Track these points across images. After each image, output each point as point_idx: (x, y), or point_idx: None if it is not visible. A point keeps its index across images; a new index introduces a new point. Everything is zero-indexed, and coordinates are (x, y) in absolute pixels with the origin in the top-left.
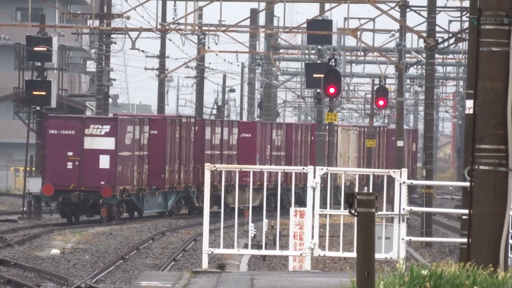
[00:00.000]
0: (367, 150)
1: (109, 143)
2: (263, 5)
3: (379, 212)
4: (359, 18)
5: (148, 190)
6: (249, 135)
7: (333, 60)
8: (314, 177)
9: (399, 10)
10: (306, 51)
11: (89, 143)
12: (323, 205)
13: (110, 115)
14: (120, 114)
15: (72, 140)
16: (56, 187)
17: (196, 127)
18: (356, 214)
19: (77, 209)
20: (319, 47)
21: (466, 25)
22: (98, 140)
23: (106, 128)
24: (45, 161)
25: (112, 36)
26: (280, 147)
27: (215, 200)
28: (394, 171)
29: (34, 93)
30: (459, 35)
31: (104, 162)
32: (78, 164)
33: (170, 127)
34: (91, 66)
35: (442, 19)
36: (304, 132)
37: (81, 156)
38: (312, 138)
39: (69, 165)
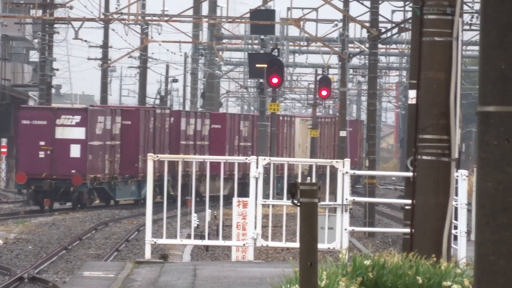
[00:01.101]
0: (318, 140)
1: (79, 133)
2: None
3: (322, 202)
4: (302, 8)
5: (120, 178)
6: (219, 126)
7: (276, 50)
8: (257, 167)
9: (342, 0)
10: (249, 41)
11: (60, 133)
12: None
13: (81, 106)
14: (95, 105)
15: (44, 130)
16: (29, 175)
17: (172, 118)
18: (298, 204)
19: (48, 196)
20: (262, 37)
21: (409, 15)
22: (69, 130)
23: (77, 118)
24: (18, 150)
25: (55, 26)
26: (247, 138)
27: (186, 190)
28: (337, 161)
29: None
30: (402, 25)
31: (75, 151)
32: (50, 153)
33: (144, 118)
34: (34, 56)
35: (385, 9)
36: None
37: (53, 146)
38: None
39: (41, 154)
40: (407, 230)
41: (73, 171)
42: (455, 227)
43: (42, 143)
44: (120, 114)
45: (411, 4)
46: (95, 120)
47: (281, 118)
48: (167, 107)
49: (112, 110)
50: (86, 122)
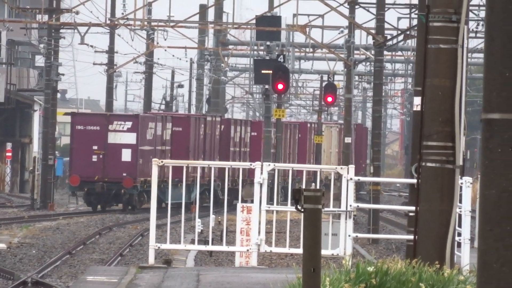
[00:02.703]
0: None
1: (130, 138)
2: (212, 1)
3: (326, 209)
4: (308, 15)
5: (173, 182)
6: (255, 134)
7: (281, 56)
8: (262, 173)
9: (348, 6)
10: (255, 47)
11: (113, 138)
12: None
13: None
14: (146, 112)
15: (97, 135)
16: (82, 178)
17: (222, 126)
18: (302, 210)
19: (101, 198)
20: (268, 43)
21: (414, 22)
22: (121, 135)
23: (128, 124)
24: (72, 154)
25: (61, 31)
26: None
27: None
28: (341, 168)
29: None
30: (407, 32)
31: (126, 155)
32: (102, 157)
33: (194, 125)
34: (40, 60)
35: (391, 16)
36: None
37: (105, 150)
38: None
39: (94, 158)
40: (411, 236)
41: (124, 174)
42: (459, 234)
43: (95, 147)
44: (170, 121)
45: (417, 12)
46: (146, 126)
47: (308, 125)
48: (218, 115)
49: (162, 117)
50: (137, 128)
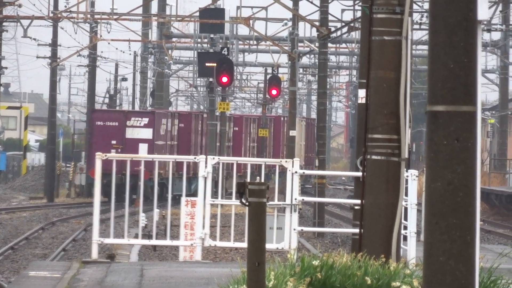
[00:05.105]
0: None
1: (147, 133)
2: None
3: (271, 202)
4: (252, 7)
5: (176, 175)
6: (237, 129)
7: (225, 49)
8: (206, 166)
9: None
10: (199, 40)
11: (130, 133)
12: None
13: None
14: (159, 109)
15: (116, 130)
16: (101, 170)
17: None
18: (247, 204)
19: (119, 190)
20: (212, 36)
21: (358, 14)
22: (138, 130)
23: (145, 120)
24: (92, 148)
25: (4, 24)
26: (254, 139)
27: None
28: (286, 161)
29: None
30: (351, 24)
31: (143, 149)
32: (120, 151)
33: (195, 121)
34: None
35: (335, 8)
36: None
37: (123, 144)
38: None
39: (113, 152)
40: (356, 230)
41: (136, 168)
42: (405, 228)
43: (113, 142)
44: (177, 118)
45: (360, 3)
46: (160, 122)
47: (282, 118)
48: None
49: (172, 114)
50: (153, 123)
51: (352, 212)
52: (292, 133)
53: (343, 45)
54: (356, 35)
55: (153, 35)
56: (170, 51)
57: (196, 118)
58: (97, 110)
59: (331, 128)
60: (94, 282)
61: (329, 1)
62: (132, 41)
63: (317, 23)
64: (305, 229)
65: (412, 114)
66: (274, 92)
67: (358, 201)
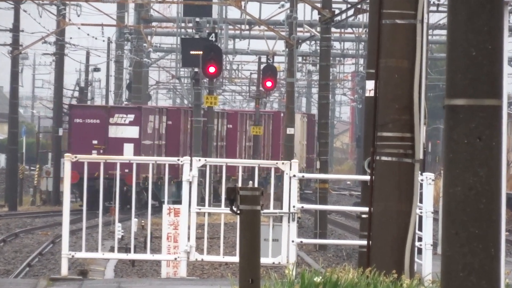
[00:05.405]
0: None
1: (133, 131)
2: None
3: (266, 210)
4: None
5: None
6: (231, 126)
7: (213, 34)
8: (191, 169)
9: None
10: (183, 25)
11: (114, 132)
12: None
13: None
14: (146, 105)
15: (97, 128)
16: (81, 174)
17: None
18: (238, 212)
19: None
20: (198, 19)
21: None
22: (123, 129)
23: (131, 117)
24: (71, 149)
25: None
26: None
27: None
28: (283, 163)
29: None
30: (358, 6)
31: (128, 150)
32: (103, 152)
33: (184, 118)
34: None
35: None
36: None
37: (106, 145)
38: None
39: (94, 153)
40: (364, 242)
41: (126, 170)
42: (419, 239)
43: (95, 142)
44: (165, 114)
45: None
46: (147, 119)
47: (281, 114)
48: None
49: (160, 110)
50: (139, 121)
51: (359, 222)
52: (289, 131)
53: (349, 30)
54: (363, 18)
55: (130, 18)
56: (149, 37)
57: (185, 114)
58: (75, 106)
59: (334, 125)
60: None
61: None
62: (105, 25)
63: (318, 5)
64: (305, 241)
65: (428, 109)
66: (269, 84)
67: (366, 209)
